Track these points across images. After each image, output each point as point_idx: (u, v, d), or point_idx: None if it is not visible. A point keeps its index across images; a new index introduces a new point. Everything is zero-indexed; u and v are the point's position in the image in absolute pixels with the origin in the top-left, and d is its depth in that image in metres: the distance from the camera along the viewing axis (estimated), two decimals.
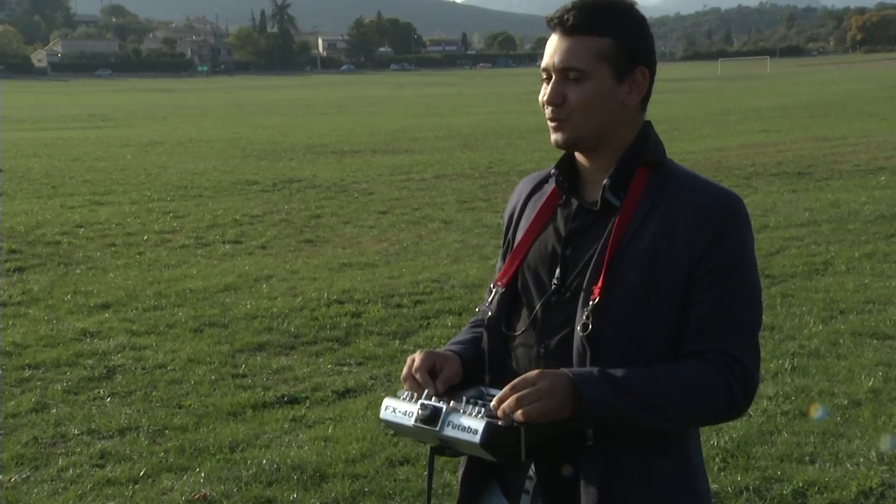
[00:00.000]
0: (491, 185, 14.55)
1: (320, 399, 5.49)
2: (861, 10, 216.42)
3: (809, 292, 7.53)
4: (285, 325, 7.03)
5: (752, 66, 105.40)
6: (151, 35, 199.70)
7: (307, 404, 5.41)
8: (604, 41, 1.79)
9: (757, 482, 4.23)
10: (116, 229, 11.29)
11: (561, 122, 1.83)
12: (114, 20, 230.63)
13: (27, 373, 6.01)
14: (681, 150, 18.23)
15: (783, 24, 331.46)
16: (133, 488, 4.36)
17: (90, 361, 6.22)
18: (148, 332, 6.94)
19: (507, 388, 1.67)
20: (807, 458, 4.47)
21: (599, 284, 1.76)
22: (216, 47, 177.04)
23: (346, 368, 6.08)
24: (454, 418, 1.67)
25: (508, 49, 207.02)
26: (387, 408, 1.77)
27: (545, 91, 1.85)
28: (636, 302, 1.76)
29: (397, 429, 1.79)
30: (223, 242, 10.53)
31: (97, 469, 4.57)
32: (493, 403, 1.67)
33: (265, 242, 10.51)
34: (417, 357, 1.83)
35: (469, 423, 1.65)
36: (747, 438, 4.65)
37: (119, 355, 6.36)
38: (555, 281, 1.85)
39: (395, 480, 4.38)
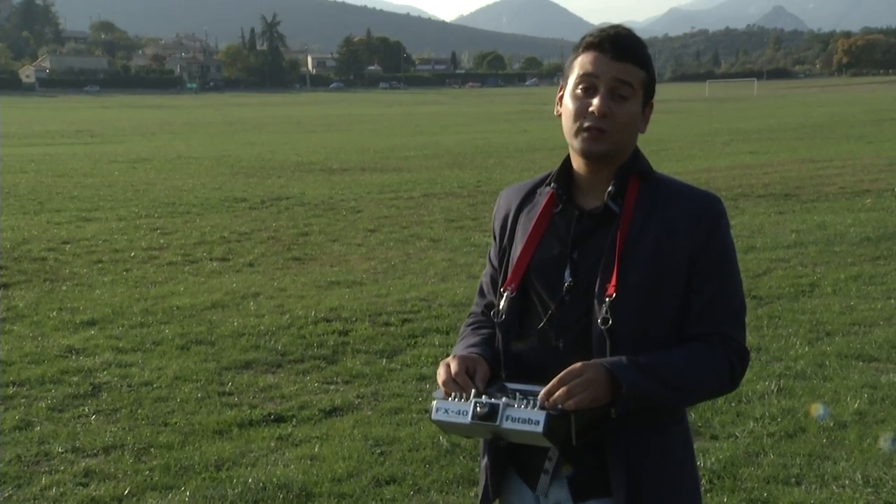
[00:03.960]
0: (479, 204, 14.58)
1: (307, 417, 5.47)
2: (847, 34, 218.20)
3: (796, 314, 7.56)
4: (272, 342, 7.01)
5: (739, 87, 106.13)
6: (140, 51, 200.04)
7: (294, 423, 5.39)
8: (642, 73, 2.02)
9: None
10: (103, 246, 11.25)
11: (603, 133, 1.98)
12: (103, 36, 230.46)
13: (11, 390, 5.97)
14: (669, 170, 18.24)
15: (770, 47, 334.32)
16: None
17: (75, 378, 6.18)
18: (134, 349, 6.91)
19: (555, 381, 1.85)
20: (793, 479, 4.48)
21: (613, 282, 1.95)
22: (205, 64, 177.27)
23: (333, 387, 6.06)
24: (512, 412, 1.84)
25: (497, 68, 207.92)
26: (438, 409, 1.91)
27: (591, 101, 1.97)
28: (646, 295, 1.96)
29: (451, 427, 1.92)
30: (211, 259, 10.50)
31: (81, 487, 4.53)
32: (541, 396, 1.85)
33: (253, 260, 10.50)
34: (453, 363, 1.98)
35: (529, 416, 1.82)
36: (734, 460, 4.66)
37: (105, 372, 6.32)
38: (567, 281, 2.02)
39: (381, 500, 4.36)
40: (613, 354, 1.93)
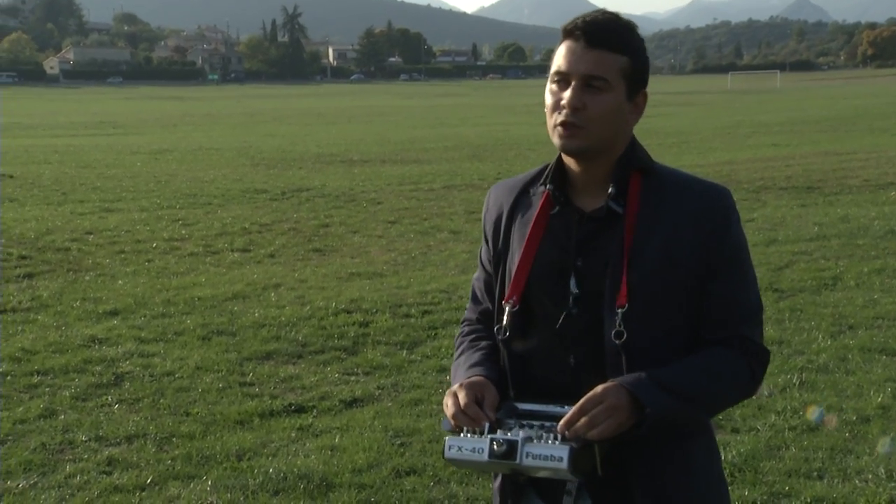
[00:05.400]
0: None
1: (327, 408, 5.49)
2: (872, 25, 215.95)
3: (818, 307, 7.51)
4: (293, 333, 7.04)
5: (761, 79, 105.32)
6: (163, 43, 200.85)
7: (314, 413, 5.42)
8: (623, 59, 1.85)
9: (765, 497, 4.22)
10: (126, 236, 11.33)
11: (576, 128, 1.85)
12: (126, 28, 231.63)
13: (35, 379, 6.03)
14: (690, 163, 18.21)
15: (793, 39, 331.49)
16: (140, 496, 4.37)
17: (98, 368, 6.23)
18: (156, 339, 6.95)
19: (575, 409, 1.74)
20: (815, 473, 4.46)
21: (624, 292, 1.82)
22: (227, 56, 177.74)
23: (353, 378, 6.08)
24: (532, 449, 1.73)
25: (518, 60, 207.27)
26: (451, 447, 1.78)
27: (563, 95, 1.85)
28: (659, 302, 1.85)
29: (466, 465, 1.81)
30: (232, 251, 10.55)
31: (104, 476, 4.58)
32: (560, 426, 1.74)
33: (274, 251, 10.54)
34: (460, 393, 1.85)
35: (551, 452, 1.71)
36: (755, 453, 4.64)
37: (127, 362, 6.37)
38: (573, 291, 1.89)
39: (401, 491, 4.37)
40: (630, 368, 1.82)
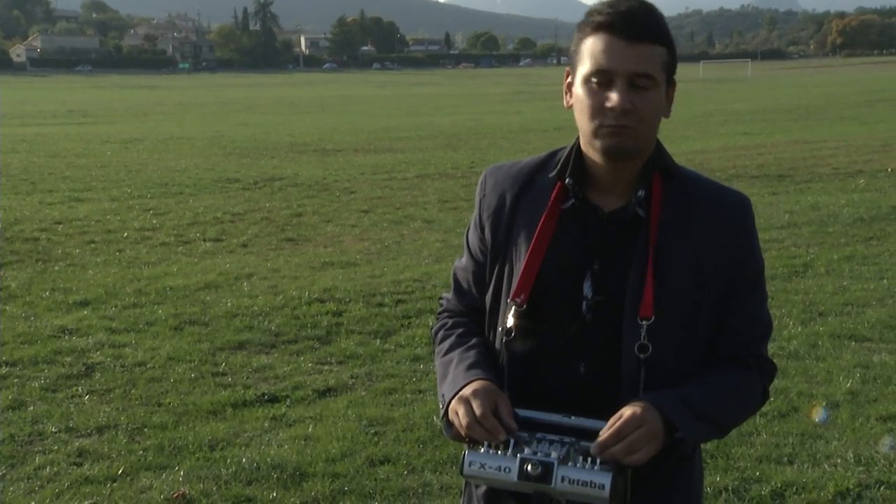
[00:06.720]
0: (473, 185, 14.37)
1: (301, 398, 5.47)
2: (841, 15, 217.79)
3: (789, 294, 7.58)
4: (266, 323, 7.01)
5: (733, 68, 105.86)
6: (133, 31, 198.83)
7: (287, 403, 5.40)
8: (662, 50, 1.74)
9: (736, 483, 4.26)
10: (96, 226, 11.22)
11: (626, 129, 1.72)
12: (94, 16, 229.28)
13: (4, 370, 5.96)
14: None
15: (764, 28, 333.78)
16: (111, 487, 4.33)
17: (68, 359, 6.17)
18: (127, 329, 6.90)
19: (611, 433, 1.63)
20: (785, 458, 4.50)
21: (650, 302, 1.73)
22: (198, 44, 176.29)
23: (326, 367, 6.06)
24: (568, 473, 1.60)
25: (491, 49, 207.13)
26: (471, 463, 1.65)
27: (608, 96, 1.71)
28: (683, 315, 1.78)
29: (486, 482, 1.70)
30: (204, 240, 10.48)
31: (75, 467, 4.54)
32: (594, 449, 1.62)
33: (246, 240, 10.48)
34: (475, 401, 1.72)
35: (591, 478, 1.59)
36: (726, 439, 4.66)
37: (98, 353, 6.32)
38: (587, 296, 1.79)
39: (375, 480, 4.37)
40: (648, 382, 1.73)
